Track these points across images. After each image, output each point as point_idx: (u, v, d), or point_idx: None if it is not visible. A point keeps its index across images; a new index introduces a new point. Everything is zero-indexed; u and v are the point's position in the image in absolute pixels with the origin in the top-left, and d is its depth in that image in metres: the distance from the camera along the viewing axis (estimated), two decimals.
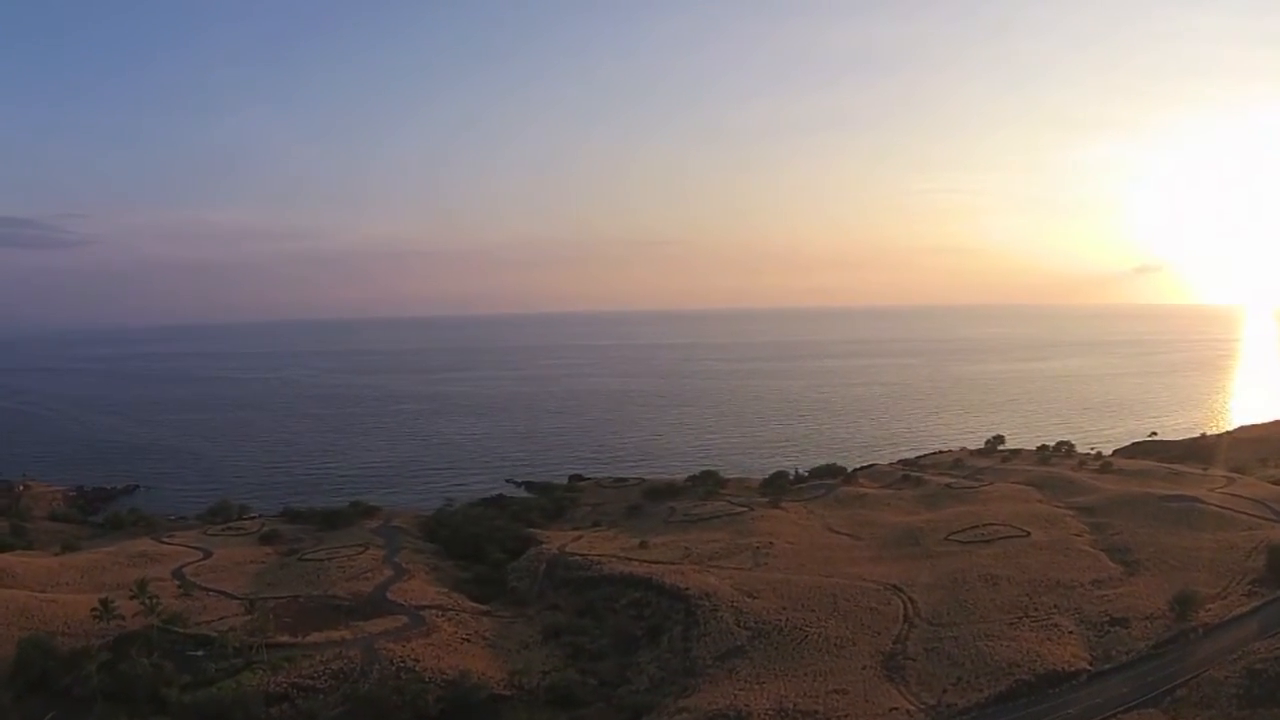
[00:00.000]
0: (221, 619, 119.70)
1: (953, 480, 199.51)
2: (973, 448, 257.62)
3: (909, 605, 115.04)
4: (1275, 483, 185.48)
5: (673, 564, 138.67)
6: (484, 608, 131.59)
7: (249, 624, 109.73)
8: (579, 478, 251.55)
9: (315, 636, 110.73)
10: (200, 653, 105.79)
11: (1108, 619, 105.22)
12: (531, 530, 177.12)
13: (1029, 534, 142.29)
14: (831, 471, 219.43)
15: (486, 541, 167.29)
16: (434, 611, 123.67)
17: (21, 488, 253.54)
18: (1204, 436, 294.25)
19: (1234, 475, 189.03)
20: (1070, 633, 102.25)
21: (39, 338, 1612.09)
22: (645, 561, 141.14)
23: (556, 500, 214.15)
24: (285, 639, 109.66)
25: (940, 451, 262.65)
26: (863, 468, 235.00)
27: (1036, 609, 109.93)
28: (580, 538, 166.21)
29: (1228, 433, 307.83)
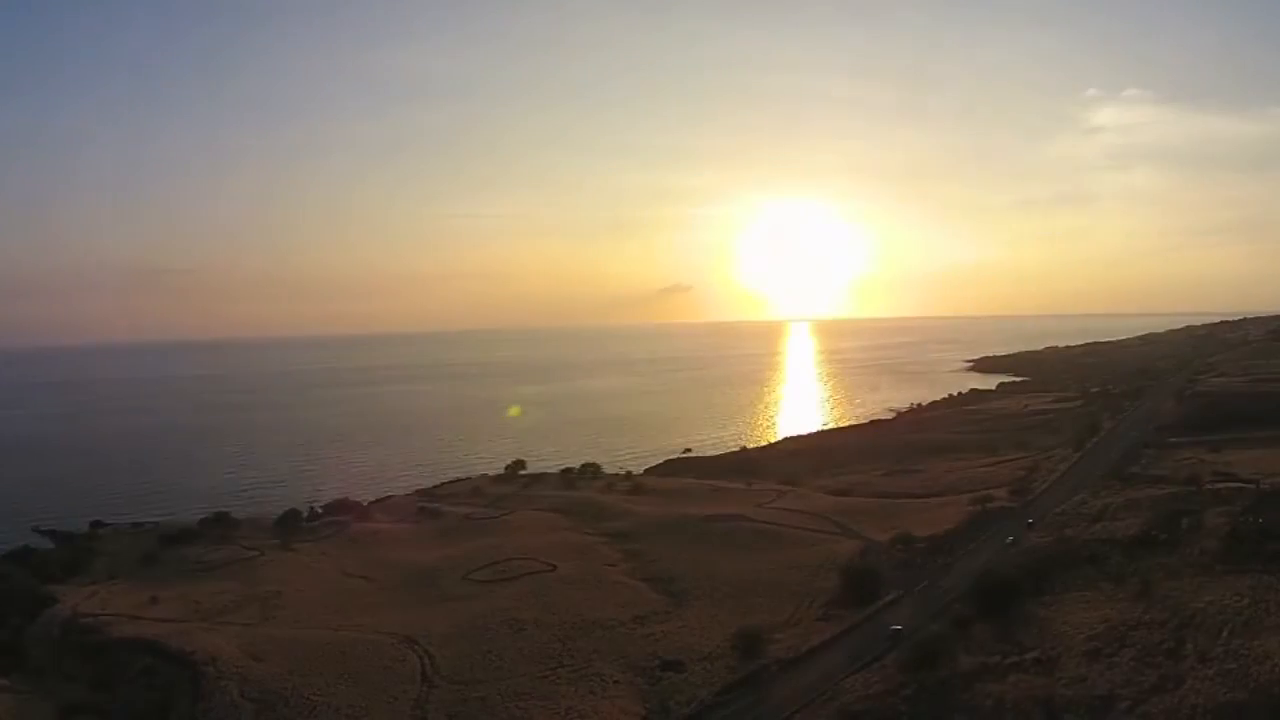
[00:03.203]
0: None
1: (472, 510, 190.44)
2: (493, 474, 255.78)
3: (426, 660, 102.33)
4: (833, 493, 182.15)
5: (182, 622, 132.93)
6: (3, 682, 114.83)
7: None
8: (99, 524, 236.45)
9: None
10: None
11: (658, 662, 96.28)
12: (49, 587, 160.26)
13: (555, 567, 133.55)
14: (346, 507, 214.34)
15: (4, 604, 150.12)
16: None
17: None
18: (744, 450, 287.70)
19: (785, 488, 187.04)
20: (616, 682, 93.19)
21: None
22: (155, 620, 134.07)
23: (76, 550, 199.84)
24: None
25: (459, 479, 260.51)
26: (378, 500, 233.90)
27: (572, 656, 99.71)
28: (95, 594, 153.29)
29: (772, 445, 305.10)
